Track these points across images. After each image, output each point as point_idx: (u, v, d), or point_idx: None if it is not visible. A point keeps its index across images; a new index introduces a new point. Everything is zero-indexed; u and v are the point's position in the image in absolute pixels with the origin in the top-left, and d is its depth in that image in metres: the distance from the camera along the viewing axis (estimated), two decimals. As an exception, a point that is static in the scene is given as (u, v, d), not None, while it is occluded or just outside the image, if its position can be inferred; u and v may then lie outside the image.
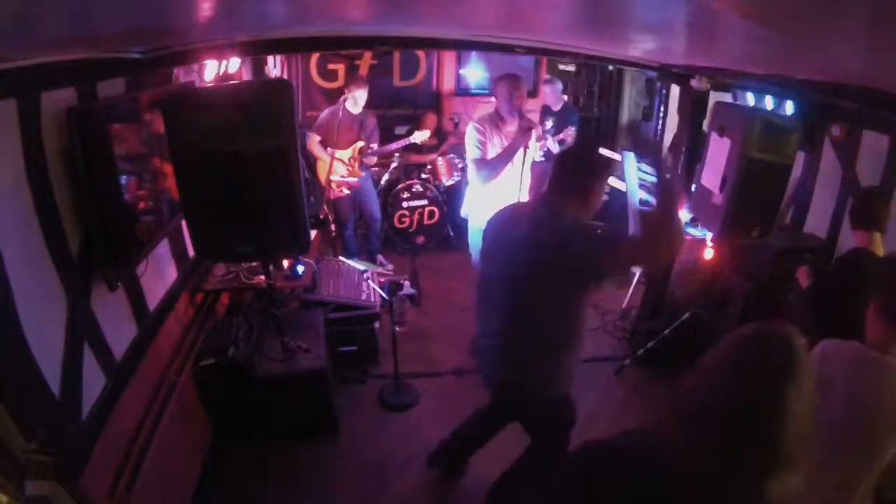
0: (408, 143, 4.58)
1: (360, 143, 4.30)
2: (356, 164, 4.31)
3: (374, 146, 4.38)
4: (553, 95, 4.98)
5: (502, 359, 1.95)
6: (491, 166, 2.96)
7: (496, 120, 3.05)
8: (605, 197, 4.30)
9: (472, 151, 3.02)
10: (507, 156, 2.95)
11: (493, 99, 5.36)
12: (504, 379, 1.98)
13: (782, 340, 0.83)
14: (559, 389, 1.98)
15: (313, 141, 4.23)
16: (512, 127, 3.02)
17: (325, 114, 4.28)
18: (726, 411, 0.81)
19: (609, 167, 1.98)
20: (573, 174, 1.85)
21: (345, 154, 4.26)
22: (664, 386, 3.28)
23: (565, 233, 1.74)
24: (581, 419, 3.13)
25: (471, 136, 3.02)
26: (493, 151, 3.00)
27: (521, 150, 2.93)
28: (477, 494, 2.56)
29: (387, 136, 4.69)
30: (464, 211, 3.37)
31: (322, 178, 4.28)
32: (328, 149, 4.19)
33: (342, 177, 4.27)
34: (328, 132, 4.18)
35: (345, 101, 4.16)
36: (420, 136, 4.56)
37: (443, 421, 2.94)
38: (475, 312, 2.07)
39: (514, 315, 1.87)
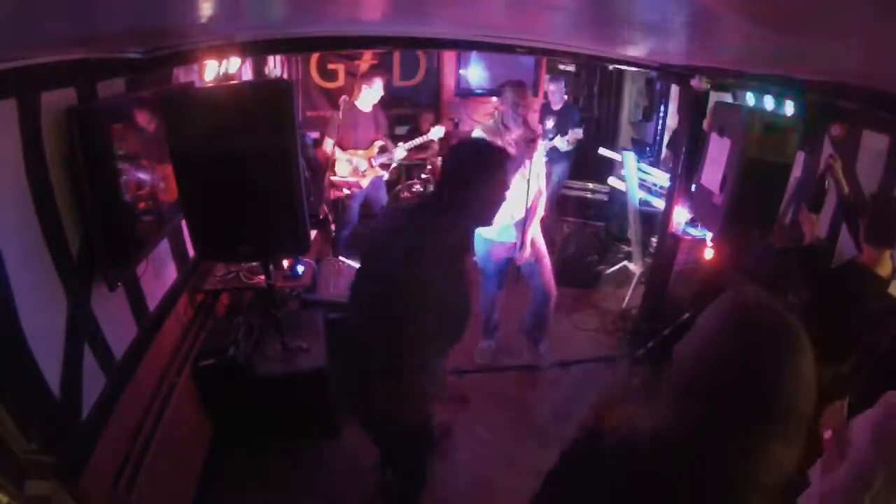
0: (425, 140, 4.57)
1: (381, 142, 4.33)
2: (377, 164, 4.35)
3: (389, 143, 4.43)
4: (556, 94, 5.00)
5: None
6: None
7: (500, 127, 3.00)
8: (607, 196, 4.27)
9: None
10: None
11: (494, 99, 5.44)
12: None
13: (777, 311, 0.81)
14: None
15: (328, 144, 4.19)
16: (516, 135, 2.98)
17: (337, 117, 4.26)
18: (718, 383, 0.79)
19: (504, 171, 1.64)
20: (456, 175, 1.62)
21: (366, 153, 4.30)
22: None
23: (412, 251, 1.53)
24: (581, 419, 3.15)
25: None
26: None
27: (525, 162, 2.91)
28: (476, 494, 2.56)
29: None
30: None
31: (342, 175, 4.28)
32: (347, 150, 4.22)
33: (343, 177, 4.29)
34: (345, 133, 4.20)
35: (355, 100, 4.19)
36: (437, 133, 4.57)
37: (442, 421, 2.95)
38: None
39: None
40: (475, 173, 1.60)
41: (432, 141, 4.72)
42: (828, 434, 1.57)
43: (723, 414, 0.78)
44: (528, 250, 3.07)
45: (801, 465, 0.80)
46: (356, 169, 4.25)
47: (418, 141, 4.56)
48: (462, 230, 1.71)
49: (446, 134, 4.80)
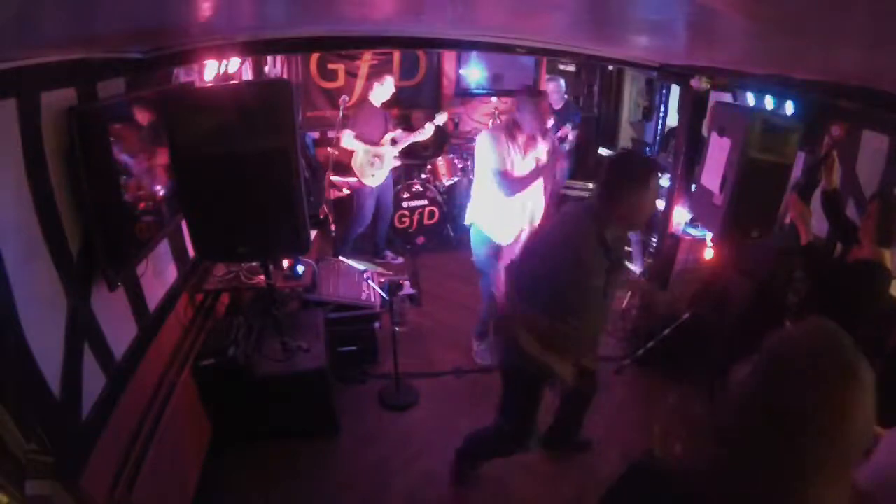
0: (433, 126, 4.57)
1: (392, 135, 4.38)
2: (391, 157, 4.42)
3: (401, 134, 4.49)
4: (556, 93, 5.00)
5: None
6: (520, 183, 2.93)
7: (512, 130, 2.93)
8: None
9: (493, 161, 2.89)
10: (536, 174, 2.97)
11: (493, 99, 5.44)
12: None
13: (840, 340, 0.76)
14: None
15: (348, 136, 4.25)
16: (524, 138, 2.95)
17: (355, 109, 4.36)
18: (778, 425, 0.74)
19: (647, 177, 1.85)
20: (607, 179, 1.90)
21: (383, 148, 4.36)
22: (663, 386, 3.28)
23: (563, 238, 1.93)
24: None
25: (489, 145, 2.91)
26: (513, 163, 2.93)
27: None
28: (477, 494, 2.56)
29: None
30: (469, 219, 3.20)
31: (357, 166, 4.34)
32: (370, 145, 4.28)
33: (361, 166, 4.32)
34: (363, 127, 4.26)
35: (368, 96, 4.25)
36: (440, 119, 4.59)
37: (443, 421, 2.95)
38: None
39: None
40: (621, 183, 1.86)
41: (430, 137, 4.74)
42: None
43: (772, 461, 0.74)
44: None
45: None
46: (377, 160, 4.29)
47: (414, 134, 4.55)
48: (611, 230, 1.90)
49: (446, 125, 4.87)
